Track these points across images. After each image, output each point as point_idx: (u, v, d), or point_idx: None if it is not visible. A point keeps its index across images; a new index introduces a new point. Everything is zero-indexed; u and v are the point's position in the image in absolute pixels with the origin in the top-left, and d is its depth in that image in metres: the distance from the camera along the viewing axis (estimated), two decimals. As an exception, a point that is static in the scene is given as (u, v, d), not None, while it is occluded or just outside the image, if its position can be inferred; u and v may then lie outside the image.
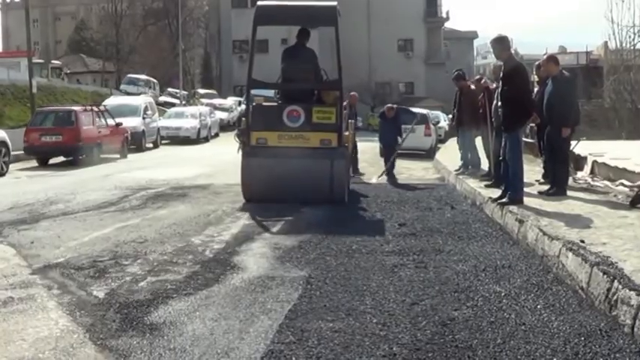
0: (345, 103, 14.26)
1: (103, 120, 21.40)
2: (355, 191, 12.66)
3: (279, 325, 4.75)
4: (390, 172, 15.56)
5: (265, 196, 10.66)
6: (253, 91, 11.85)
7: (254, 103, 11.55)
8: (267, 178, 10.66)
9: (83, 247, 7.60)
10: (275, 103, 11.91)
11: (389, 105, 16.83)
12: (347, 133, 11.77)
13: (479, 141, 13.81)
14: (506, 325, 4.71)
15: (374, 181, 15.20)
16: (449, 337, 4.47)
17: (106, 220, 9.48)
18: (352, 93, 16.98)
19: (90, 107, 21.45)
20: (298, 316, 4.95)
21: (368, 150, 17.16)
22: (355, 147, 16.41)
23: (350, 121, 13.60)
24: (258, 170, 10.81)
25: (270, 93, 12.82)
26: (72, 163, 19.25)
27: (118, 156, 21.92)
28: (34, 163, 20.07)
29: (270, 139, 11.00)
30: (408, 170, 17.83)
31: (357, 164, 16.50)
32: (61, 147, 19.57)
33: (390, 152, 15.85)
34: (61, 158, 20.09)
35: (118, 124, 22.12)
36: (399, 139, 16.05)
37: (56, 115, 20.68)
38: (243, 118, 11.91)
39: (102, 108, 22.57)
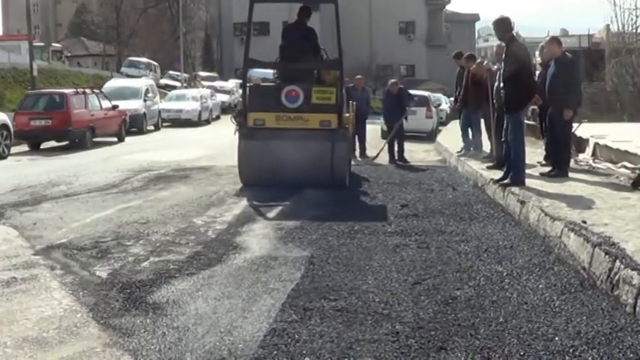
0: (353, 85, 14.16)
1: (97, 102, 21.01)
2: (356, 173, 12.65)
3: (281, 304, 4.76)
4: (400, 155, 15.45)
5: (263, 180, 10.41)
6: (253, 73, 11.68)
7: (251, 84, 11.37)
8: (265, 160, 10.41)
9: (85, 228, 7.61)
10: (273, 83, 11.75)
11: (392, 80, 16.66)
12: (347, 115, 11.64)
13: (481, 123, 13.79)
14: (508, 304, 4.72)
15: (359, 158, 15.32)
16: (451, 316, 4.48)
17: (108, 202, 9.50)
18: (358, 76, 16.88)
19: (82, 90, 21.10)
20: (301, 295, 4.97)
21: (369, 132, 17.15)
22: (364, 129, 16.30)
23: (352, 103, 13.51)
24: (255, 153, 10.55)
25: (270, 75, 12.65)
26: (68, 147, 19.09)
27: (116, 139, 21.78)
28: (33, 146, 19.93)
29: (267, 121, 10.73)
30: (410, 153, 17.71)
31: (365, 147, 16.41)
32: (50, 131, 19.03)
33: (396, 132, 15.62)
34: (55, 142, 19.85)
35: (115, 107, 21.92)
36: (403, 120, 15.75)
37: (46, 99, 20.11)
38: (241, 99, 11.73)
39: (96, 90, 22.32)
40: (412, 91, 25.24)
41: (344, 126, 10.93)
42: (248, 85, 11.24)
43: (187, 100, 32.35)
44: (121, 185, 11.25)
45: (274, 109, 10.70)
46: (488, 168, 11.25)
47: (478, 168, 11.54)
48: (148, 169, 13.39)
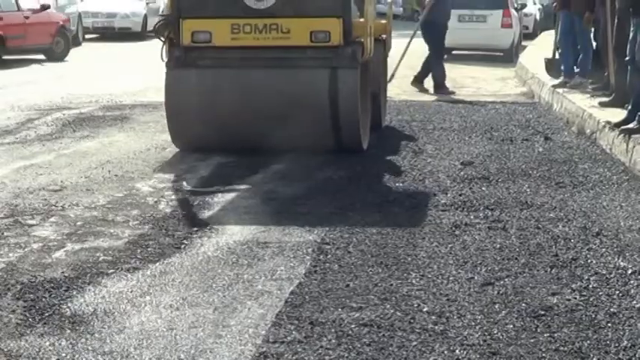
0: None
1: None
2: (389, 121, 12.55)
3: (275, 315, 4.80)
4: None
5: (210, 142, 9.72)
6: None
7: None
8: (213, 107, 9.70)
9: (-38, 199, 7.66)
10: None
11: None
12: (363, 20, 10.81)
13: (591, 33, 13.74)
14: (636, 319, 4.74)
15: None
16: (544, 336, 4.50)
17: (-1, 157, 9.56)
18: None
19: None
20: (306, 301, 5.01)
21: (409, 51, 16.91)
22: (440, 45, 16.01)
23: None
24: (194, 92, 9.80)
25: None
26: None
27: (43, 56, 22.11)
28: None
29: (217, 34, 9.83)
30: (476, 82, 17.77)
31: (426, 72, 16.13)
32: None
33: None
34: None
35: (45, 7, 22.16)
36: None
37: None
38: None
39: None
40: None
41: (357, 40, 10.00)
42: None
43: (124, -1, 32.34)
44: (20, 131, 11.25)
45: (228, 13, 10.01)
46: (602, 105, 11.21)
47: (586, 105, 11.51)
48: (63, 107, 13.41)
